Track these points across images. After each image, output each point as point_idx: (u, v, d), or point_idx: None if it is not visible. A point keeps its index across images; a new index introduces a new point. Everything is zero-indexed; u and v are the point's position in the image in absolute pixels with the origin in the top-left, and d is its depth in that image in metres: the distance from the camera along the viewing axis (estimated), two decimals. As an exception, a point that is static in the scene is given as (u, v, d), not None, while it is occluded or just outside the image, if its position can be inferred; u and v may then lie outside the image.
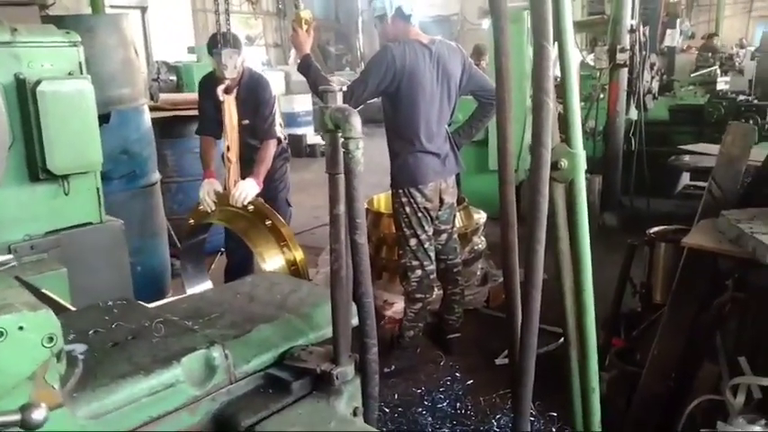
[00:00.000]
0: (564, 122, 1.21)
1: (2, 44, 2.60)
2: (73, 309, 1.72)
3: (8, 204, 2.66)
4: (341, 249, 1.21)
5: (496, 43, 1.19)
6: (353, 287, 1.23)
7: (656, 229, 2.95)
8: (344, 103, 3.40)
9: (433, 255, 3.42)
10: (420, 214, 3.31)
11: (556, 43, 1.18)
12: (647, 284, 2.91)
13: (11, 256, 1.12)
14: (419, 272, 3.38)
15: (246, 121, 3.65)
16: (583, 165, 1.24)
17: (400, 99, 3.21)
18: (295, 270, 3.27)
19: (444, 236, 3.54)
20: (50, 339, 0.97)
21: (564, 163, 1.21)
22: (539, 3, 1.07)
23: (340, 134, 1.17)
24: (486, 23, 12.48)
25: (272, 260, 3.24)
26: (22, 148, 2.66)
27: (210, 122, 3.77)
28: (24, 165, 2.69)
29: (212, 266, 4.81)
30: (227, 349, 1.28)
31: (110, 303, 1.55)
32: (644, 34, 6.03)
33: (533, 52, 1.11)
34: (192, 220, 3.70)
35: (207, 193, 3.53)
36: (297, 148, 10.35)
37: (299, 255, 3.30)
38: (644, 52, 6.13)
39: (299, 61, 3.37)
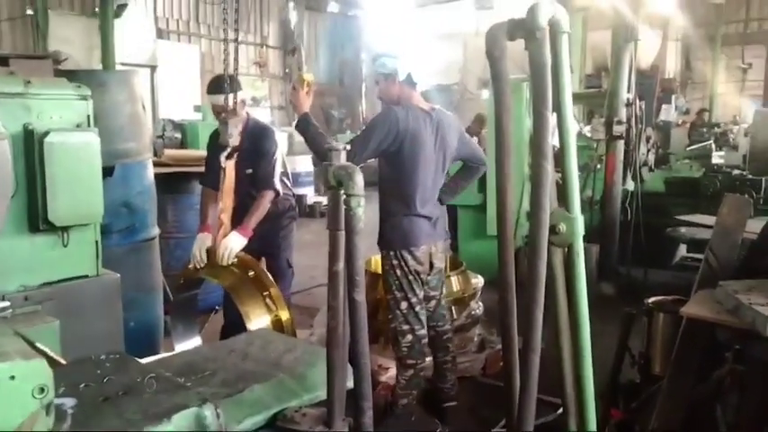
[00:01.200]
0: (562, 187, 1.23)
1: (14, 95, 2.66)
2: (64, 362, 1.69)
3: (5, 254, 2.66)
4: (338, 307, 1.21)
5: (497, 105, 1.23)
6: (350, 346, 1.22)
7: (654, 299, 2.94)
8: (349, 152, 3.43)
9: (424, 319, 3.38)
10: (411, 277, 3.29)
11: (554, 113, 1.22)
12: (645, 355, 2.88)
13: (8, 303, 1.11)
14: (410, 336, 3.32)
15: (249, 171, 3.69)
16: (581, 229, 1.25)
17: (401, 161, 3.25)
18: (280, 329, 3.25)
19: (433, 302, 3.51)
20: (41, 390, 0.95)
21: (562, 227, 1.22)
22: (540, 74, 1.11)
23: (342, 191, 1.19)
24: (486, 94, 12.81)
25: (257, 320, 3.23)
26: (25, 198, 2.68)
27: (214, 175, 3.81)
28: (25, 215, 2.70)
29: (206, 325, 4.75)
30: (219, 408, 1.26)
31: (102, 357, 1.53)
32: (640, 108, 6.19)
33: (533, 119, 1.15)
34: (183, 277, 3.69)
35: (199, 249, 3.53)
36: (297, 207, 10.41)
37: (284, 314, 3.29)
38: (640, 125, 6.27)
39: (296, 119, 3.41)
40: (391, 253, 3.31)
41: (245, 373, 1.48)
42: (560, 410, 2.58)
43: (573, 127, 1.19)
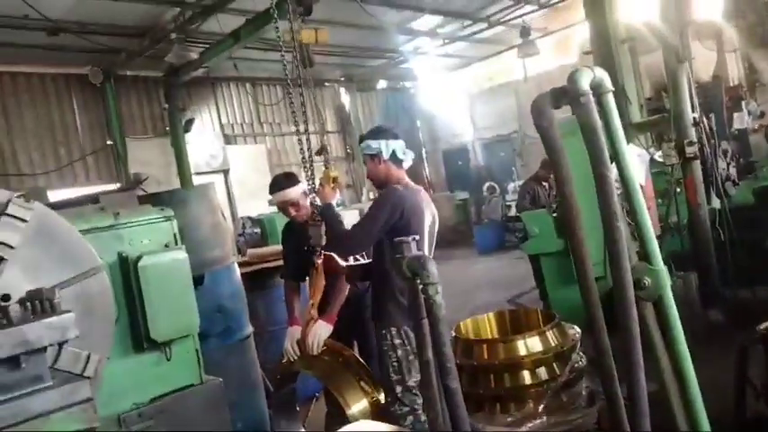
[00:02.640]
0: (640, 241, 1.22)
1: (106, 228, 2.88)
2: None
3: (116, 375, 2.80)
4: (434, 397, 1.21)
5: (557, 175, 1.24)
6: (453, 433, 1.22)
7: (766, 324, 2.75)
8: (353, 243, 3.45)
9: (421, 399, 3.22)
10: (411, 357, 3.18)
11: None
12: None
13: (128, 438, 1.18)
14: (411, 417, 3.21)
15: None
16: (667, 280, 1.22)
17: (407, 236, 3.23)
18: (377, 409, 3.24)
19: None
20: None
21: (647, 281, 1.20)
22: (593, 137, 1.13)
23: (418, 282, 1.22)
24: (547, 135, 12.69)
25: (355, 405, 3.24)
26: (127, 321, 2.84)
27: (294, 267, 3.94)
28: (129, 336, 2.87)
29: (309, 414, 4.78)
30: None
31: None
32: (709, 124, 5.97)
33: (595, 182, 1.15)
34: (279, 372, 3.76)
35: (291, 343, 3.61)
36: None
37: (379, 393, 3.27)
38: (713, 141, 6.04)
39: (320, 207, 3.49)
40: (393, 330, 3.23)
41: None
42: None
43: (635, 179, 1.18)
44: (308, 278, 3.88)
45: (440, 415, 1.20)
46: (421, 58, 15.06)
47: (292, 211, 3.86)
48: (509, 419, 3.81)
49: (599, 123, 1.17)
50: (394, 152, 3.35)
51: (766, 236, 5.83)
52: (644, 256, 1.21)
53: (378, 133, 3.44)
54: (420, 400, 3.25)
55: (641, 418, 1.14)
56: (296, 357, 3.58)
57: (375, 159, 3.39)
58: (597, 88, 1.20)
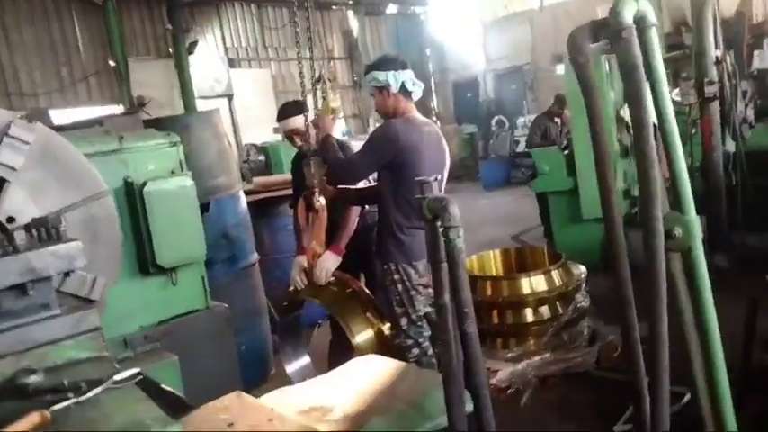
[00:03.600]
0: (673, 189, 1.16)
1: (111, 152, 2.82)
2: (188, 404, 1.76)
3: (122, 298, 2.82)
4: (450, 340, 1.19)
5: (590, 114, 1.17)
6: (467, 378, 1.20)
7: (777, 273, 2.73)
8: (345, 175, 3.35)
9: (427, 331, 3.28)
10: (413, 292, 3.20)
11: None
12: (775, 335, 2.68)
13: (137, 370, 1.17)
14: (416, 350, 3.24)
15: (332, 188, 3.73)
16: (698, 230, 1.17)
17: (403, 174, 3.15)
18: (383, 341, 3.28)
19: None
20: (179, 455, 0.99)
21: (678, 231, 1.15)
22: (632, 77, 1.04)
23: (439, 224, 1.17)
24: (560, 69, 12.40)
25: (360, 334, 3.29)
26: (133, 246, 2.83)
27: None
28: (135, 260, 2.87)
29: (311, 340, 4.86)
30: (345, 447, 1.27)
31: (226, 403, 1.58)
32: (731, 63, 5.76)
33: (632, 126, 1.08)
34: (286, 300, 3.79)
35: (298, 272, 3.61)
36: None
37: (385, 326, 3.31)
38: (733, 81, 5.85)
39: (320, 139, 3.40)
40: (392, 267, 3.21)
41: (363, 405, 1.49)
42: (685, 399, 2.44)
43: (674, 126, 1.11)
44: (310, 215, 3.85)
45: (454, 358, 1.17)
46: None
47: (298, 141, 3.77)
48: (509, 355, 3.89)
49: (641, 61, 1.08)
50: (403, 84, 3.22)
51: (779, 181, 5.75)
52: (676, 204, 1.15)
53: (385, 63, 3.29)
54: (426, 333, 3.29)
55: (660, 370, 1.12)
56: (303, 286, 3.58)
57: (383, 92, 3.26)
58: (640, 22, 1.11)
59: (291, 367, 3.85)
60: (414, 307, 3.22)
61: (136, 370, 1.16)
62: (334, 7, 15.52)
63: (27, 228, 1.39)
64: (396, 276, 3.22)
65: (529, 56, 16.55)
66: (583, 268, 4.22)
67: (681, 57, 6.46)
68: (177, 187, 2.91)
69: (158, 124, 3.45)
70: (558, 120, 7.49)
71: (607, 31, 1.12)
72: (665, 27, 9.24)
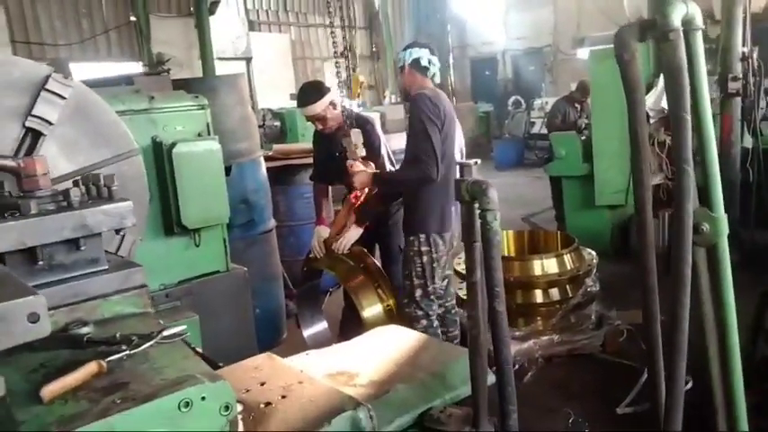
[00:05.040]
0: (704, 186, 1.20)
1: (141, 111, 2.87)
2: (220, 364, 1.84)
3: (146, 256, 2.85)
4: (478, 316, 1.25)
5: (631, 115, 1.21)
6: (494, 355, 1.26)
7: (788, 271, 2.77)
8: (425, 169, 3.35)
9: (435, 303, 3.41)
10: (435, 264, 3.29)
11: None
12: (781, 331, 2.74)
13: (184, 327, 1.24)
14: (424, 321, 3.34)
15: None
16: (725, 228, 1.22)
17: (441, 143, 3.19)
18: (390, 315, 3.38)
19: (446, 281, 3.53)
20: (227, 408, 1.06)
21: (705, 227, 1.20)
22: (675, 77, 1.08)
23: (477, 206, 1.22)
24: (582, 53, 12.29)
25: (370, 308, 3.41)
26: (158, 205, 2.89)
27: (323, 171, 3.96)
28: (160, 220, 2.93)
29: (323, 306, 4.96)
30: (372, 411, 1.34)
31: (258, 362, 1.65)
32: (758, 60, 5.72)
33: (672, 124, 1.12)
34: (305, 267, 3.88)
35: (318, 241, 3.69)
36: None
37: (392, 301, 3.44)
38: (757, 77, 5.81)
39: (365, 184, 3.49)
40: (422, 237, 3.29)
41: (387, 373, 1.56)
42: (688, 385, 2.52)
43: (711, 128, 1.15)
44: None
45: (482, 333, 1.24)
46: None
47: (318, 125, 3.82)
48: (517, 333, 3.96)
49: (685, 64, 1.12)
50: (417, 60, 3.31)
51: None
52: (707, 202, 1.20)
53: (407, 46, 3.46)
54: (435, 307, 3.38)
55: (678, 360, 1.18)
56: (322, 255, 3.67)
57: (402, 71, 3.39)
58: (687, 24, 1.14)
59: (309, 331, 3.97)
60: (432, 279, 3.32)
61: (183, 327, 1.23)
62: (357, -24, 15.38)
63: (77, 183, 1.45)
64: (424, 248, 3.29)
65: (550, 38, 16.36)
66: (594, 254, 4.28)
67: (707, 51, 6.40)
68: (205, 150, 2.96)
69: (186, 86, 3.49)
70: (578, 106, 7.46)
71: (655, 31, 1.15)
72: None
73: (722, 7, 5.79)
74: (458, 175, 3.13)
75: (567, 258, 4.03)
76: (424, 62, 3.31)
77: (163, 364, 1.12)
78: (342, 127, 3.80)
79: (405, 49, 3.42)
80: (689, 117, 1.12)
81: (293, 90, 12.31)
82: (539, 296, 4.03)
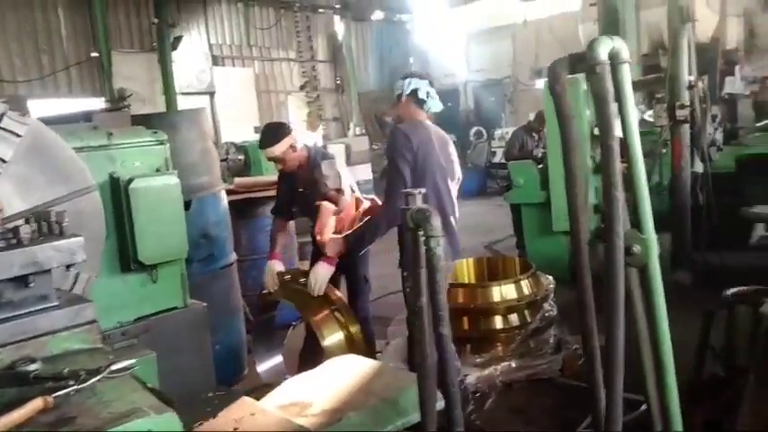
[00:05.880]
0: (634, 208, 1.27)
1: (99, 147, 2.87)
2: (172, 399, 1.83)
3: (102, 294, 2.82)
4: (424, 340, 1.29)
5: (563, 142, 1.28)
6: (439, 377, 1.30)
7: (733, 290, 2.88)
8: (393, 199, 3.33)
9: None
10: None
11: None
12: (727, 348, 2.83)
13: (134, 361, 1.24)
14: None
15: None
16: (656, 249, 1.28)
17: (418, 177, 3.18)
18: (351, 342, 3.38)
19: None
20: (174, 440, 1.07)
21: (637, 248, 1.26)
22: (603, 107, 1.16)
23: (421, 233, 1.27)
24: (540, 84, 12.64)
25: (330, 336, 3.38)
26: (115, 242, 2.88)
27: (285, 206, 4.01)
28: (117, 256, 2.91)
29: (285, 341, 4.92)
30: (323, 439, 1.36)
31: (210, 395, 1.65)
32: (703, 88, 5.98)
33: (601, 151, 1.19)
34: (260, 301, 3.89)
35: (270, 275, 3.74)
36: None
37: (353, 327, 3.43)
38: (704, 105, 6.07)
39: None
40: (405, 274, 3.18)
41: (340, 401, 1.58)
42: (644, 406, 2.58)
43: (640, 154, 1.22)
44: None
45: (428, 357, 1.27)
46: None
47: (279, 165, 3.90)
48: (478, 360, 4.00)
49: (611, 94, 1.20)
50: (415, 91, 3.28)
51: (743, 203, 5.96)
52: (637, 224, 1.27)
53: (405, 75, 3.42)
54: None
55: (615, 374, 1.23)
56: (274, 289, 3.69)
57: (399, 99, 3.35)
58: (614, 58, 1.22)
59: (263, 366, 3.92)
60: None
61: (132, 361, 1.23)
62: (321, 10, 15.59)
63: (28, 221, 1.45)
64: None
65: (509, 69, 16.80)
66: (551, 279, 4.37)
67: (656, 81, 6.67)
68: (163, 185, 2.97)
69: (146, 121, 3.50)
70: (536, 135, 7.67)
71: (584, 64, 1.23)
72: (644, 48, 9.51)
73: (668, 37, 6.06)
74: (446, 213, 3.24)
75: (525, 284, 4.11)
76: (422, 94, 3.28)
77: (111, 398, 1.12)
78: (303, 165, 3.85)
79: (404, 78, 3.37)
80: (616, 145, 1.19)
81: (257, 123, 12.37)
82: (498, 322, 4.08)
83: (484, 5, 17.00)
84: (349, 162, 12.69)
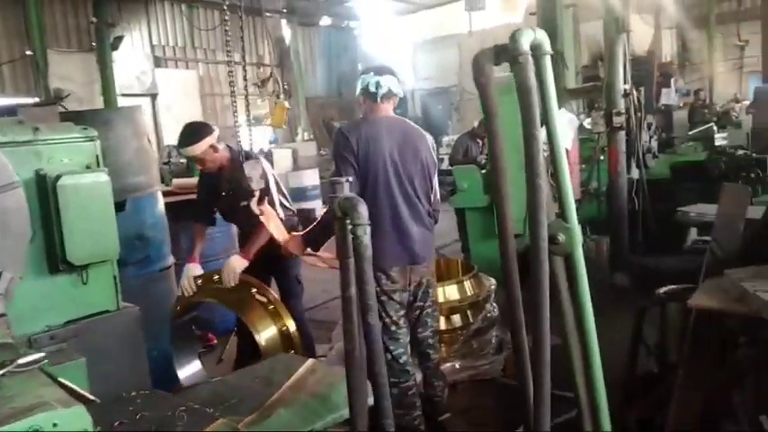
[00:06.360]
0: (559, 199, 1.29)
1: (24, 143, 2.74)
2: (93, 398, 1.75)
3: (29, 296, 2.73)
4: (353, 330, 1.27)
5: (489, 132, 1.29)
6: (368, 368, 1.28)
7: (665, 288, 2.97)
8: None
9: (403, 337, 3.27)
10: (384, 297, 3.15)
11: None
12: (660, 345, 2.91)
13: (43, 354, 1.18)
14: (388, 355, 3.19)
15: (245, 203, 3.66)
16: (579, 238, 1.30)
17: (361, 176, 3.12)
18: (287, 337, 3.32)
19: (417, 312, 3.37)
20: (83, 435, 1.01)
21: (561, 237, 1.28)
22: (526, 97, 1.17)
23: (348, 222, 1.25)
24: (485, 92, 12.83)
25: (265, 331, 3.32)
26: (42, 241, 2.74)
27: (204, 211, 4.01)
28: (44, 257, 2.77)
29: (226, 347, 4.83)
30: (249, 435, 1.32)
31: (133, 394, 1.59)
32: (638, 97, 6.21)
33: (524, 140, 1.20)
34: (178, 305, 3.76)
35: (187, 278, 3.67)
36: (306, 221, 10.55)
37: (290, 323, 3.38)
38: (639, 114, 6.29)
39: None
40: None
41: (270, 398, 1.54)
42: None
43: (561, 144, 1.24)
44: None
45: (357, 347, 1.25)
46: (368, -1, 14.75)
47: (198, 166, 3.83)
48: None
49: (534, 84, 1.21)
50: (365, 88, 3.20)
51: (677, 208, 6.20)
52: (561, 214, 1.29)
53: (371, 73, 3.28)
54: (402, 339, 3.26)
55: (542, 369, 1.24)
56: (191, 292, 3.61)
57: (360, 98, 3.29)
58: (536, 49, 1.24)
59: (184, 372, 3.80)
60: (386, 312, 3.18)
61: (41, 354, 1.17)
62: (267, 14, 15.45)
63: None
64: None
65: (455, 78, 17.04)
66: (493, 280, 4.42)
67: (593, 89, 6.89)
68: (92, 182, 2.86)
69: (77, 118, 3.38)
70: (479, 140, 7.78)
71: (507, 55, 1.24)
72: (584, 60, 9.82)
73: (605, 47, 6.28)
74: (400, 213, 3.19)
75: (468, 285, 4.14)
76: (372, 87, 3.18)
77: (15, 393, 1.06)
78: (226, 166, 3.77)
79: (358, 79, 3.30)
80: (539, 134, 1.20)
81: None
82: (442, 323, 4.09)
83: (431, 15, 17.23)
84: (296, 167, 12.61)
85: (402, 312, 3.27)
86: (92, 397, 1.85)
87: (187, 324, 3.91)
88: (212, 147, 3.70)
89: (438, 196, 3.52)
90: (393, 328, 3.22)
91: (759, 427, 2.04)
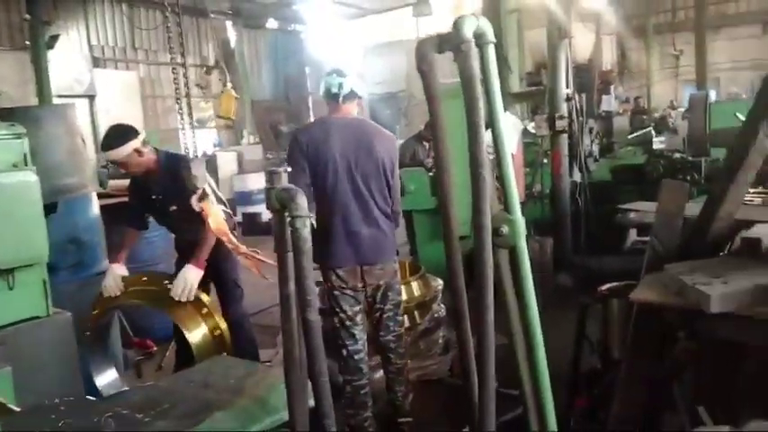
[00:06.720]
0: (502, 191, 1.27)
1: (-55, 139, 2.58)
2: (17, 409, 1.64)
3: (-50, 301, 2.58)
4: (292, 329, 1.21)
5: (432, 120, 1.26)
6: (308, 366, 1.22)
7: (607, 286, 3.01)
8: None
9: (360, 334, 3.26)
10: (337, 292, 3.18)
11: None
12: (603, 341, 2.95)
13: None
14: (343, 351, 3.20)
15: (174, 207, 3.57)
16: (523, 230, 1.28)
17: (312, 176, 3.14)
18: (219, 336, 3.23)
19: (377, 314, 3.36)
20: (-11, 445, 0.93)
21: (505, 229, 1.26)
22: (470, 86, 1.14)
23: (286, 214, 1.19)
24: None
25: (195, 329, 3.21)
26: (-35, 244, 2.60)
27: (136, 216, 3.81)
28: (-33, 260, 2.62)
29: (166, 354, 4.67)
30: (181, 441, 1.25)
31: (56, 401, 1.49)
32: (579, 103, 6.36)
33: (467, 129, 1.18)
34: (97, 307, 3.57)
35: (114, 279, 3.47)
36: (252, 225, 10.35)
37: (221, 322, 3.29)
38: (581, 118, 6.45)
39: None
40: (319, 268, 3.20)
41: (205, 402, 1.47)
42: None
43: (506, 134, 1.22)
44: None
45: (296, 347, 1.19)
46: (315, 1, 14.67)
47: (121, 170, 3.66)
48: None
49: (477, 72, 1.19)
50: (326, 90, 3.21)
51: (618, 210, 6.37)
52: (505, 206, 1.27)
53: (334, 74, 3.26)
54: (359, 336, 3.24)
55: (486, 364, 1.21)
56: (119, 293, 3.44)
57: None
58: (479, 38, 1.22)
59: (101, 380, 3.60)
60: (340, 307, 3.18)
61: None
62: (212, 15, 15.18)
63: None
64: (322, 278, 3.19)
65: (404, 83, 17.12)
66: (440, 281, 4.42)
67: (537, 93, 7.03)
68: (19, 182, 2.74)
69: (6, 115, 3.22)
70: (426, 144, 7.80)
71: (450, 43, 1.21)
72: (528, 66, 10.02)
73: (548, 54, 6.41)
74: (350, 213, 3.12)
75: (415, 285, 4.13)
76: (334, 89, 3.17)
77: None
78: (153, 170, 3.62)
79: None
80: (482, 124, 1.18)
81: (142, 129, 11.78)
82: (389, 324, 4.06)
83: (379, 20, 17.28)
84: (241, 170, 12.41)
85: (357, 308, 3.26)
86: (12, 406, 1.73)
87: (104, 330, 3.72)
88: (137, 151, 3.49)
89: (398, 195, 3.48)
90: (348, 323, 3.21)
91: (698, 417, 2.08)
